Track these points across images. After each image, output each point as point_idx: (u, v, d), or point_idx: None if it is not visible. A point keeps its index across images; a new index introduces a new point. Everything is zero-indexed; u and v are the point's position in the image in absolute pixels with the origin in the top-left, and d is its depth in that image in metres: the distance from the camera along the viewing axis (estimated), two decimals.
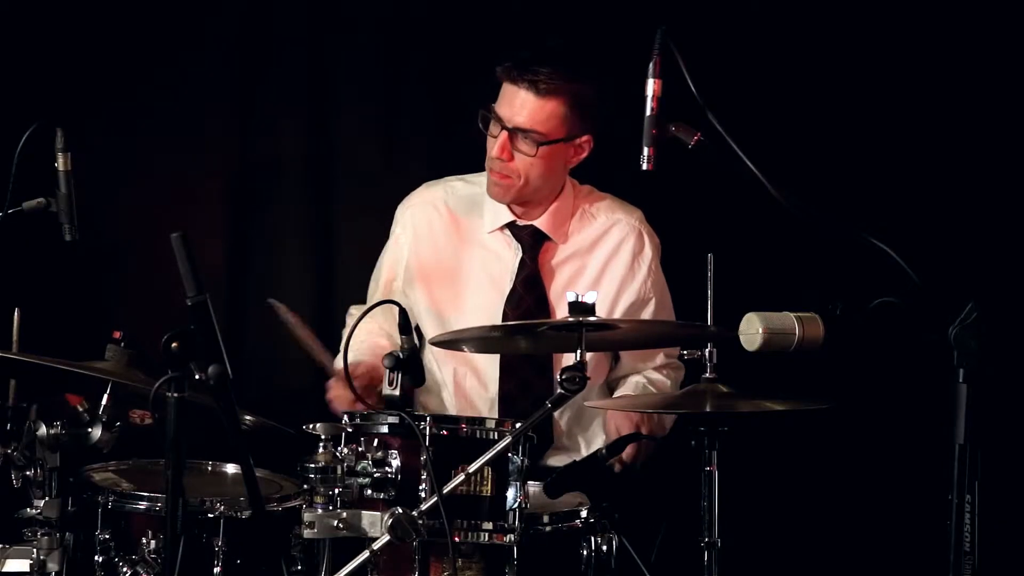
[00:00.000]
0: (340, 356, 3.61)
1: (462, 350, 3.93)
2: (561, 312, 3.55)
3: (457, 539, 3.28)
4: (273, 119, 4.84)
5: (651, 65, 3.23)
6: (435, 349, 4.10)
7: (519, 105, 3.95)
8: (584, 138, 4.03)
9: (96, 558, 3.52)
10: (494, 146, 4.00)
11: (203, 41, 4.75)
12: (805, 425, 4.31)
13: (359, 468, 3.31)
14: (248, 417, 3.55)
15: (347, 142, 4.87)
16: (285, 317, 3.99)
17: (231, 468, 3.86)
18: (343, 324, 4.35)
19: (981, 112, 4.72)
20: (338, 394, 3.91)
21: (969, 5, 4.71)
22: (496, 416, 3.91)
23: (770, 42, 4.76)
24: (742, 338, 3.09)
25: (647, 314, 4.16)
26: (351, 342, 3.74)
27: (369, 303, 4.13)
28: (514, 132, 3.97)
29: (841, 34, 4.75)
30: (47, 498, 3.43)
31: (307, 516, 3.29)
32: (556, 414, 4.07)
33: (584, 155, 4.06)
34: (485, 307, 4.10)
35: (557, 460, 4.07)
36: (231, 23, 4.78)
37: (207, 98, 4.76)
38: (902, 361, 4.12)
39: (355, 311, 4.25)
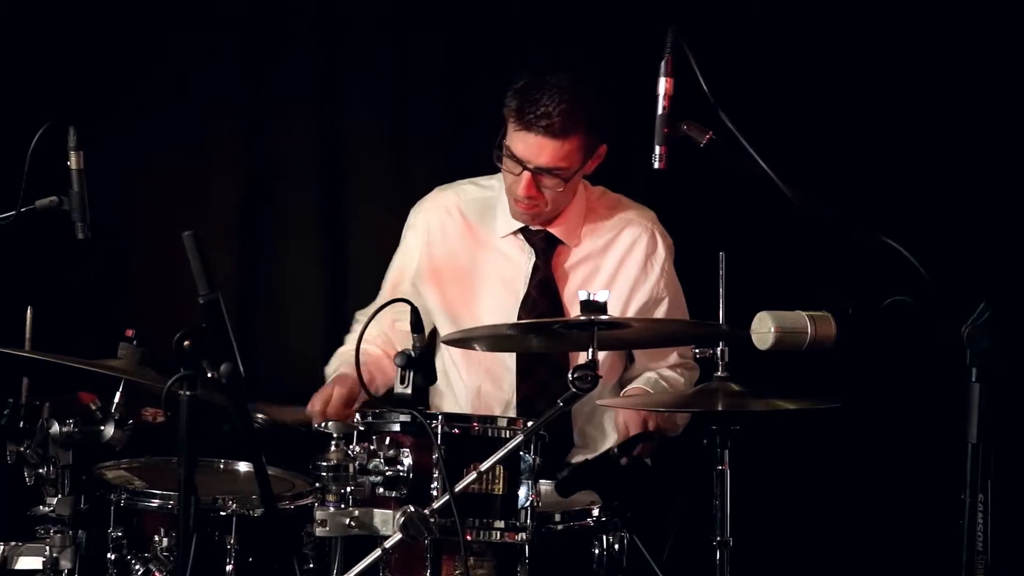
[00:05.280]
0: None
1: (475, 349, 3.93)
2: (575, 314, 3.53)
3: (469, 537, 3.28)
4: (283, 120, 4.85)
5: (663, 64, 3.22)
6: (451, 351, 4.10)
7: (538, 149, 3.91)
8: (601, 148, 4.02)
9: (109, 556, 3.54)
10: (518, 183, 3.96)
11: (213, 41, 4.76)
12: (817, 424, 4.31)
13: (371, 466, 3.31)
14: (260, 415, 3.55)
15: (357, 142, 4.88)
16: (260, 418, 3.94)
17: (243, 466, 3.87)
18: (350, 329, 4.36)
19: (994, 112, 4.71)
20: (312, 409, 3.90)
21: (984, 5, 4.70)
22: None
23: (782, 41, 4.76)
24: (754, 337, 3.08)
25: (660, 314, 4.15)
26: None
27: (375, 306, 4.12)
28: (538, 171, 3.95)
29: (853, 33, 4.75)
30: (60, 496, 3.44)
31: (319, 514, 3.30)
32: (572, 412, 4.07)
33: (600, 161, 4.05)
34: (500, 310, 4.09)
35: (573, 459, 4.08)
36: (242, 23, 4.79)
37: (218, 98, 4.78)
38: (914, 360, 4.12)
39: (361, 316, 4.25)
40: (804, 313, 3.07)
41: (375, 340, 4.13)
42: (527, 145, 3.92)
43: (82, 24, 4.62)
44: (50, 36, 4.59)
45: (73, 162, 3.67)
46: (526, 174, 3.95)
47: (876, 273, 3.02)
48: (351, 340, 4.12)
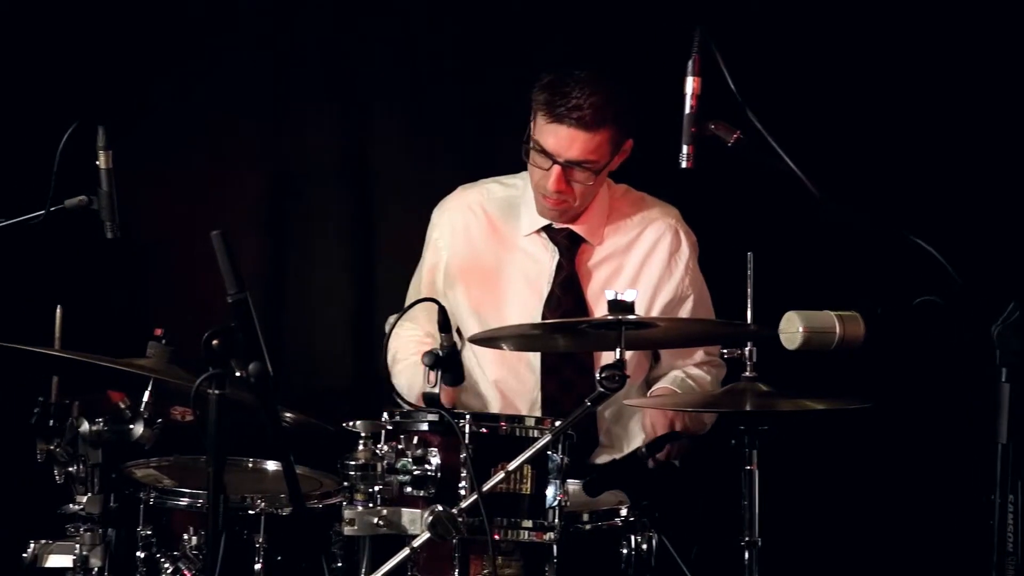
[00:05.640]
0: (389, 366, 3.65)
1: (501, 348, 3.93)
2: (599, 313, 3.54)
3: (497, 537, 3.28)
4: (309, 119, 4.85)
5: (690, 63, 3.22)
6: (477, 350, 4.10)
7: (568, 141, 3.91)
8: (627, 144, 4.02)
9: (138, 554, 3.55)
10: (547, 178, 3.96)
11: (239, 41, 4.77)
12: (846, 424, 4.30)
13: (399, 465, 3.31)
14: (288, 414, 3.56)
15: (383, 142, 4.88)
16: None
17: (272, 465, 3.88)
18: (382, 325, 4.36)
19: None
20: None
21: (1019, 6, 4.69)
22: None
23: (810, 40, 4.74)
24: (782, 336, 3.08)
25: (685, 312, 4.15)
26: (391, 346, 3.74)
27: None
28: (568, 165, 3.95)
29: (881, 32, 4.73)
30: (90, 494, 3.45)
31: (347, 513, 3.30)
32: (599, 412, 4.07)
33: (626, 157, 4.05)
34: (524, 309, 4.09)
35: (599, 459, 4.08)
36: (267, 24, 4.80)
37: (244, 98, 4.78)
38: (944, 360, 4.10)
39: (394, 319, 4.26)
40: (832, 313, 3.07)
41: (423, 341, 4.13)
42: (558, 138, 3.92)
43: (108, 24, 4.63)
44: (77, 36, 4.60)
45: (102, 161, 3.68)
46: (556, 168, 3.94)
47: (905, 273, 3.01)
48: (400, 348, 4.12)
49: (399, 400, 3.59)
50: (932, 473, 4.65)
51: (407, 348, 4.09)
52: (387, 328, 4.32)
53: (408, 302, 4.25)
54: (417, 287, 4.26)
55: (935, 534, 4.64)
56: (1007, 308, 2.90)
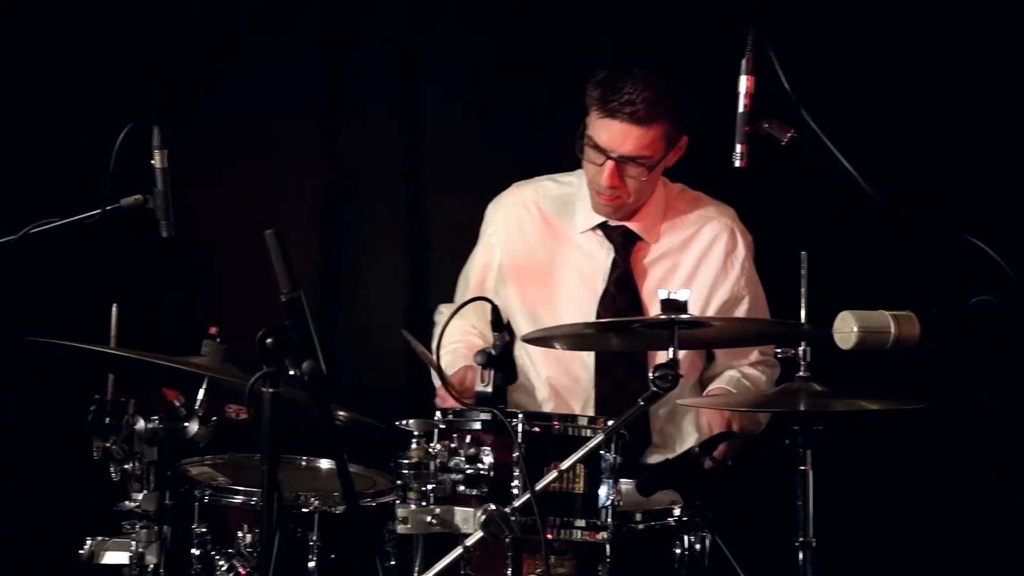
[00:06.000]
0: (433, 353, 3.64)
1: (554, 347, 3.93)
2: (654, 311, 3.53)
3: (550, 536, 3.28)
4: (364, 117, 4.86)
5: (744, 62, 3.21)
6: (530, 348, 4.10)
7: (621, 136, 3.91)
8: (683, 140, 4.01)
9: (193, 551, 3.57)
10: (601, 173, 3.96)
11: (294, 40, 4.79)
12: (900, 424, 4.28)
13: (452, 464, 3.31)
14: (341, 413, 3.57)
15: (437, 139, 4.89)
16: (415, 347, 3.86)
17: (325, 463, 3.89)
18: (433, 322, 4.37)
19: None
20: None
21: None
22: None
23: (864, 37, 4.71)
24: (836, 336, 3.07)
25: (740, 312, 4.13)
26: (443, 341, 3.74)
27: (458, 303, 4.13)
28: (621, 160, 3.95)
29: (931, 29, 4.70)
30: (145, 492, 3.47)
31: (400, 512, 3.31)
32: (652, 412, 4.06)
33: (682, 153, 4.04)
34: (578, 307, 4.09)
35: (651, 458, 4.07)
36: (322, 21, 4.82)
37: (300, 97, 4.80)
38: (1000, 360, 4.07)
39: (444, 309, 4.27)
40: (887, 312, 3.05)
41: (468, 330, 4.14)
42: (611, 133, 3.92)
43: (165, 24, 4.66)
44: (132, 37, 4.64)
45: (157, 161, 3.70)
46: (609, 163, 3.94)
47: (960, 272, 2.99)
48: (446, 333, 4.11)
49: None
50: (988, 474, 4.62)
51: (450, 335, 4.08)
52: (437, 317, 4.34)
53: (456, 296, 4.26)
54: (466, 282, 4.27)
55: (991, 535, 4.60)
56: None
